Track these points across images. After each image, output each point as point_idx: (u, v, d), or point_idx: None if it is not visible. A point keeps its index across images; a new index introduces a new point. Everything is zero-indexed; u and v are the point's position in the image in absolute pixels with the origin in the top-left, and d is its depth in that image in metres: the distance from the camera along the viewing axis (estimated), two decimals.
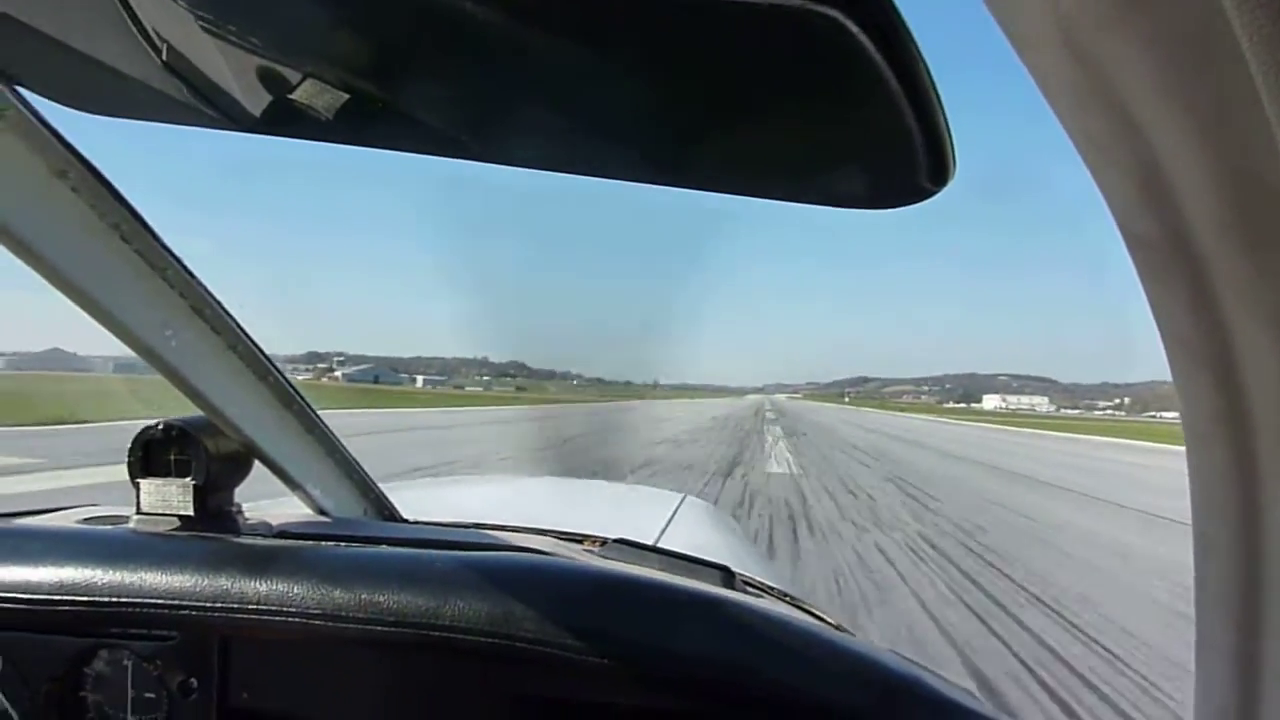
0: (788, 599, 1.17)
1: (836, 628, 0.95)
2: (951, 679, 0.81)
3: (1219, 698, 0.51)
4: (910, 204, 0.47)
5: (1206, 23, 0.30)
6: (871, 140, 0.46)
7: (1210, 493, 0.49)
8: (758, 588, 1.18)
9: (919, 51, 0.38)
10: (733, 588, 1.02)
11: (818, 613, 1.08)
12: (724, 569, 1.10)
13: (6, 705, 0.87)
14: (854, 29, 0.36)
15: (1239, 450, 0.46)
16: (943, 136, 0.41)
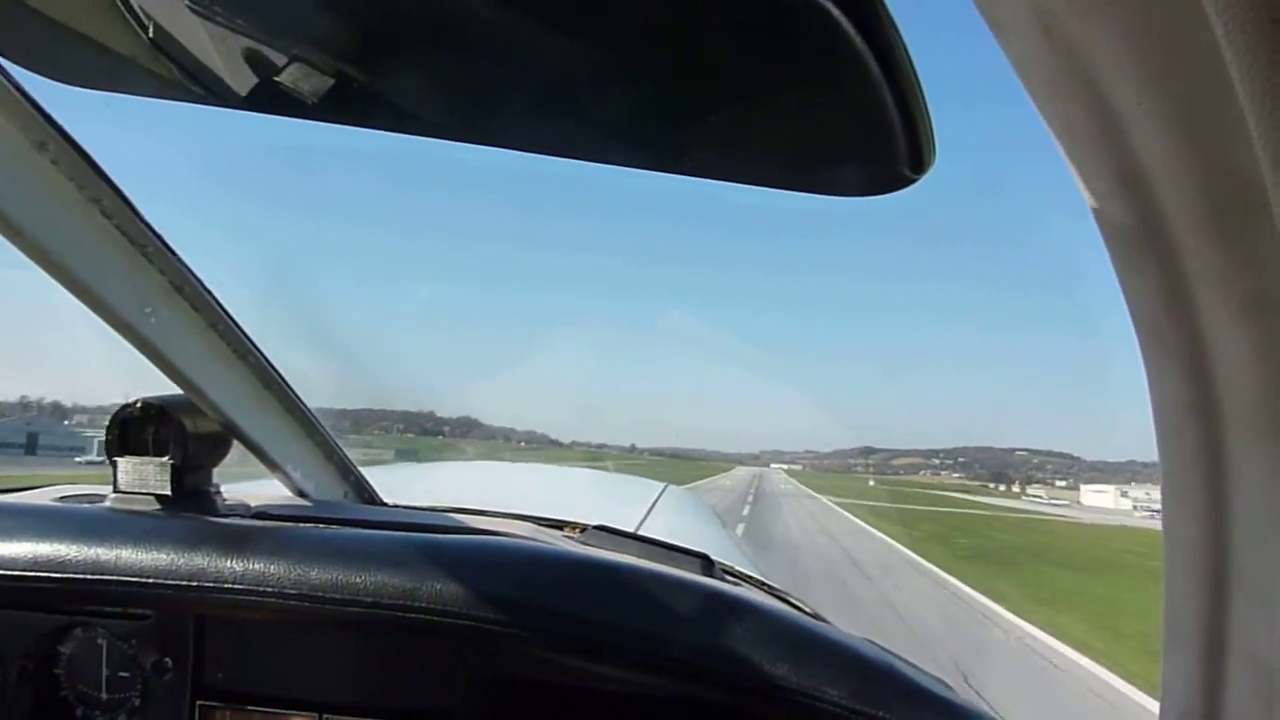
0: (766, 588, 1.18)
1: (813, 616, 0.96)
2: (924, 669, 0.82)
3: (1185, 684, 0.53)
4: (890, 191, 0.48)
5: (1184, 16, 0.31)
6: (852, 126, 0.46)
7: (1179, 484, 0.50)
8: (737, 576, 1.18)
9: (901, 39, 0.38)
10: (712, 576, 1.02)
11: (795, 601, 1.09)
12: (704, 557, 1.10)
13: None
14: (836, 14, 0.36)
15: (1208, 440, 0.47)
16: (922, 124, 0.41)
